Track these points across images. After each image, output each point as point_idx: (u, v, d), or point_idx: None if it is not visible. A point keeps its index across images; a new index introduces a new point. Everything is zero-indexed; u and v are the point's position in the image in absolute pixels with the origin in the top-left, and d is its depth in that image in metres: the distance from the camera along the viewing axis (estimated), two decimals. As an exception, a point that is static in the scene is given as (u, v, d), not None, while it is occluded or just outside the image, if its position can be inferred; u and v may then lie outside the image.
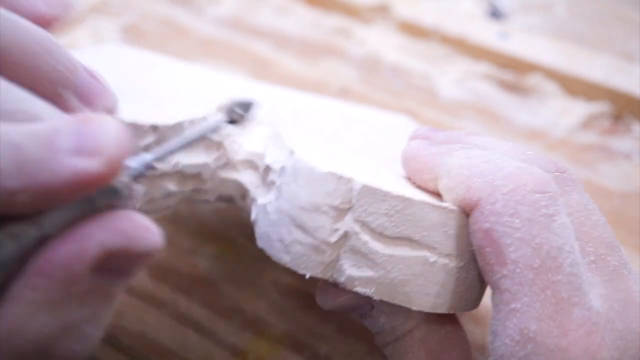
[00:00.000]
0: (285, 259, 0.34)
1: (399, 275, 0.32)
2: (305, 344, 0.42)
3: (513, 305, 0.29)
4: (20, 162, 0.23)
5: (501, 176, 0.30)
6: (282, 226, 0.34)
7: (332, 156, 0.36)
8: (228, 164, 0.38)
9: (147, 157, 0.28)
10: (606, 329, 0.28)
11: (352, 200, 0.32)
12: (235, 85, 0.47)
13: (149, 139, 0.35)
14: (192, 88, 0.43)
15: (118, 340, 0.41)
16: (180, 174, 0.37)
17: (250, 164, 0.38)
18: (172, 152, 0.30)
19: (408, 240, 0.32)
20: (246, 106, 0.31)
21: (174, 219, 0.48)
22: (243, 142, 0.38)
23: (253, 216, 0.37)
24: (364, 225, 0.32)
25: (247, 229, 0.39)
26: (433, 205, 0.32)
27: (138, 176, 0.27)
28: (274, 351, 0.42)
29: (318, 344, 0.42)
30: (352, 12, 0.67)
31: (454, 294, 0.33)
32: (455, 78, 0.62)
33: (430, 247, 0.32)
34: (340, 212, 0.33)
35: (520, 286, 0.29)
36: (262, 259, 0.35)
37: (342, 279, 0.33)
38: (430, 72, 0.63)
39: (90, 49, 0.51)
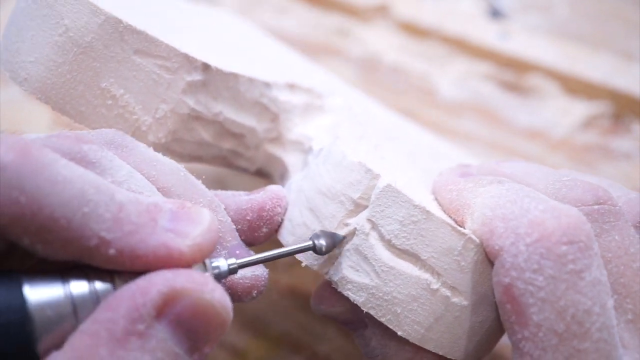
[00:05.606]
0: (288, 240, 0.33)
1: (394, 292, 0.30)
2: (305, 344, 0.42)
3: None
4: (118, 219, 0.25)
5: (525, 222, 0.27)
6: (296, 206, 0.33)
7: (374, 154, 0.34)
8: (278, 140, 0.37)
9: (232, 261, 0.28)
10: None
11: (371, 197, 0.30)
12: (293, 63, 0.45)
13: (196, 76, 0.33)
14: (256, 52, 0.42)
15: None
16: (220, 127, 0.35)
17: (299, 146, 0.36)
18: (257, 262, 0.30)
19: (415, 258, 0.30)
20: (333, 241, 0.31)
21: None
22: (300, 123, 0.37)
23: None
24: (376, 227, 0.30)
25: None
26: (452, 227, 0.30)
27: (219, 277, 0.28)
28: (273, 351, 0.42)
29: (318, 344, 0.42)
30: (352, 12, 0.67)
31: (449, 334, 0.30)
32: (455, 78, 0.62)
33: (435, 273, 0.30)
34: (357, 206, 0.31)
35: (542, 352, 0.26)
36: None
37: (336, 278, 0.31)
38: (430, 72, 0.62)
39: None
